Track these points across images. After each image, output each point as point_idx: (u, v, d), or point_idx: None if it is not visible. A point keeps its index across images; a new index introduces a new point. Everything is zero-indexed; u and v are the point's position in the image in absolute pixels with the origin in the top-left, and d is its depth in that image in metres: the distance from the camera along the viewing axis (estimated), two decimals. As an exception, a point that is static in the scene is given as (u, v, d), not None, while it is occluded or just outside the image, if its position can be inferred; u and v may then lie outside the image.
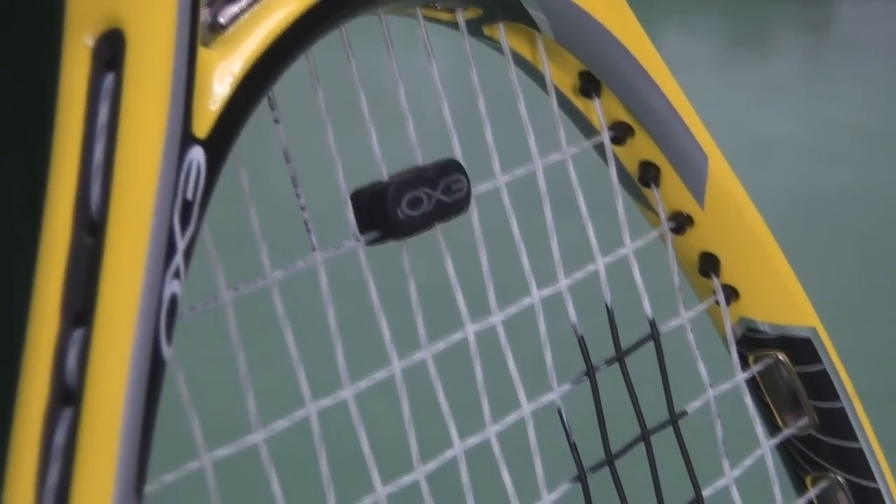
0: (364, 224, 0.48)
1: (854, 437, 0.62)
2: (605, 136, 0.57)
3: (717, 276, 0.60)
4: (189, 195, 0.41)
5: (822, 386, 0.61)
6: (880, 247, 2.67)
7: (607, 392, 0.56)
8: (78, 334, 0.39)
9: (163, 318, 0.40)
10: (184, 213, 0.41)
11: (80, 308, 0.39)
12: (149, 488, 0.40)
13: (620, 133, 0.58)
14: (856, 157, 3.20)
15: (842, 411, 0.62)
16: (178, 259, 0.40)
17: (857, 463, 0.62)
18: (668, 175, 0.58)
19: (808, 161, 3.16)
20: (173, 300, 0.40)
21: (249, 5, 0.44)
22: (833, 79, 3.92)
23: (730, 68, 4.10)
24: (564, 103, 0.57)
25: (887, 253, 2.65)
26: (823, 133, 3.37)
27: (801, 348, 0.61)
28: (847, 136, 3.36)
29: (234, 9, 0.44)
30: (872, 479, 0.62)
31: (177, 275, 0.40)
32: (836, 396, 0.62)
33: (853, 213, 2.85)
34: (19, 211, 0.50)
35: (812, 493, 0.63)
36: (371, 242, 0.48)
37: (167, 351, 0.40)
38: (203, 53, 0.42)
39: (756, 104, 3.60)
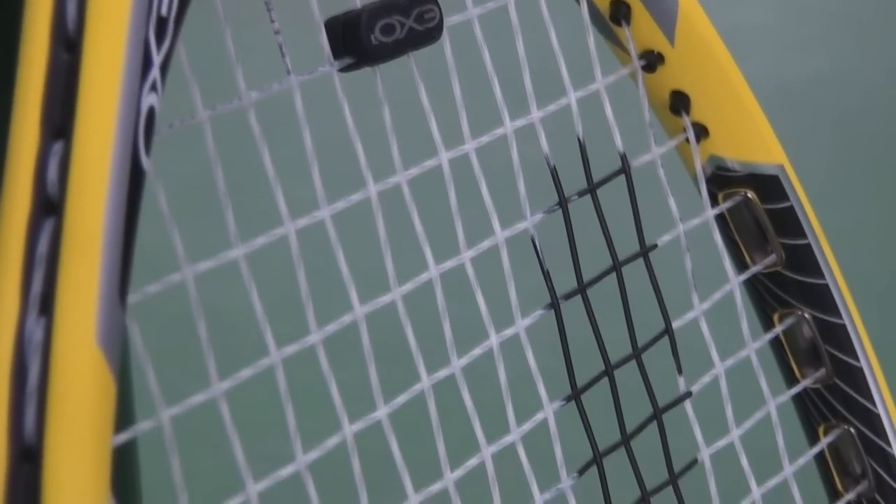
0: (338, 50, 0.49)
1: (820, 274, 0.63)
2: (576, -26, 0.58)
3: (688, 114, 0.61)
4: (164, 11, 0.42)
5: (789, 222, 0.62)
6: (855, 133, 2.69)
7: (580, 225, 0.57)
8: (58, 146, 0.40)
9: (141, 129, 0.41)
10: (159, 28, 0.42)
11: (59, 121, 0.40)
12: (133, 298, 0.41)
13: (591, -30, 0.58)
14: (829, 44, 3.19)
15: (808, 247, 0.63)
16: (155, 72, 0.41)
17: (822, 298, 0.64)
18: (639, 12, 0.59)
19: (782, 49, 3.16)
20: (151, 112, 0.41)
21: None
22: (807, -33, 3.90)
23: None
24: (535, -58, 0.58)
25: (862, 139, 2.66)
26: (796, 21, 3.36)
27: (769, 185, 0.62)
28: (821, 24, 3.35)
29: None
30: (838, 314, 0.64)
31: (154, 88, 0.41)
32: (802, 233, 0.63)
33: (827, 100, 2.86)
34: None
35: (779, 328, 0.64)
36: (345, 68, 0.49)
37: (146, 162, 0.41)
38: None
39: (729, -7, 3.58)
